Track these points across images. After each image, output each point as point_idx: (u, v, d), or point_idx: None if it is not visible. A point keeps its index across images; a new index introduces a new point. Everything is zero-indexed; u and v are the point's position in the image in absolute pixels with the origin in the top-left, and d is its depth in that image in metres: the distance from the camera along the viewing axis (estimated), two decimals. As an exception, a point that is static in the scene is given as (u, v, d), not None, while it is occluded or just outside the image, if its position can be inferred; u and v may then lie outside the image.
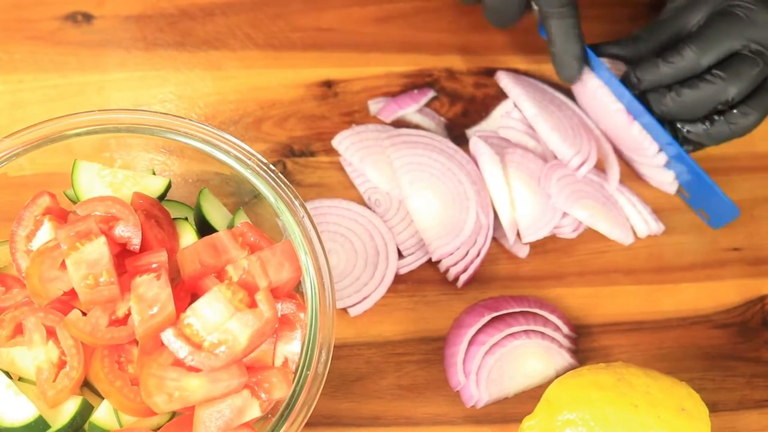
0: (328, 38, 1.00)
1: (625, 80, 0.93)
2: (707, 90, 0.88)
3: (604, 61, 0.94)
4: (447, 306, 0.89)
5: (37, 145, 0.76)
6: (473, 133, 0.96)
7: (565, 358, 0.86)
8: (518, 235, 0.91)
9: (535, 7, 0.91)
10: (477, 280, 0.90)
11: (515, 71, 0.99)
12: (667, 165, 0.93)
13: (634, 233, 0.94)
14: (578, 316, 0.90)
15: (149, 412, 0.71)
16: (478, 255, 0.90)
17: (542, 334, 0.86)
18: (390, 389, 0.85)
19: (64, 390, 0.72)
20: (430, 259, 0.90)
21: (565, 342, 0.87)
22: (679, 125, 0.91)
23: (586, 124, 0.96)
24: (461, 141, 0.96)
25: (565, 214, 0.92)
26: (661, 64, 0.90)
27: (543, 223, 0.91)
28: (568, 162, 0.92)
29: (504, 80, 0.96)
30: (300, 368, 0.72)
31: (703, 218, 0.94)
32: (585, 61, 0.92)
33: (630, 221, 0.94)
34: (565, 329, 0.88)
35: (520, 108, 0.94)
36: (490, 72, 0.99)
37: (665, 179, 0.94)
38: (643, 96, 0.92)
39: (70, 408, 0.73)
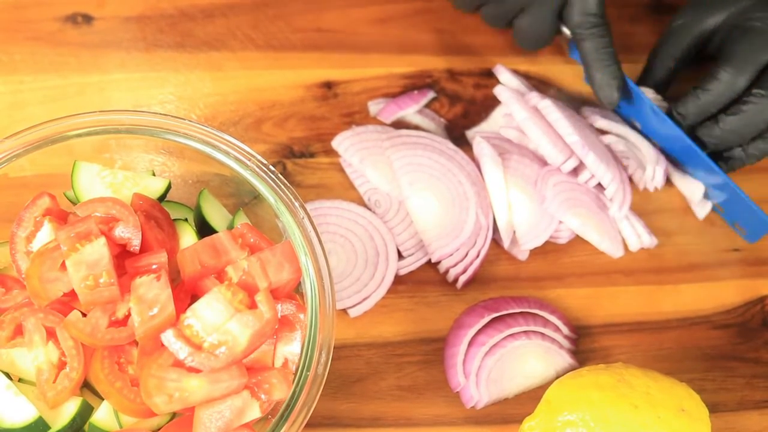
0: (328, 39, 1.00)
1: (671, 118, 0.93)
2: (752, 111, 0.88)
3: (647, 93, 0.95)
4: (447, 307, 0.89)
5: (38, 146, 0.76)
6: (474, 134, 0.96)
7: (565, 359, 0.86)
8: (515, 239, 0.91)
9: (567, 31, 0.92)
10: (477, 280, 0.90)
11: (515, 72, 0.99)
12: (708, 192, 0.94)
13: (626, 246, 0.93)
14: (578, 317, 0.90)
15: (149, 413, 0.71)
16: (477, 256, 0.90)
17: (542, 334, 0.86)
18: (390, 390, 0.85)
19: (64, 391, 0.72)
20: (429, 260, 0.90)
21: (565, 343, 0.87)
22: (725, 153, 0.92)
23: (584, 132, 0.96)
24: (461, 142, 0.96)
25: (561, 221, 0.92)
26: (700, 93, 0.90)
27: (540, 229, 0.91)
28: (558, 167, 0.92)
29: (500, 82, 0.96)
30: (300, 369, 0.72)
31: (739, 232, 0.94)
32: (624, 86, 0.92)
33: (622, 233, 0.93)
34: (565, 330, 0.88)
35: (511, 111, 0.94)
36: (491, 73, 0.99)
37: (695, 198, 0.95)
38: (692, 133, 0.93)
39: (70, 409, 0.73)
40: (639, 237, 0.93)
